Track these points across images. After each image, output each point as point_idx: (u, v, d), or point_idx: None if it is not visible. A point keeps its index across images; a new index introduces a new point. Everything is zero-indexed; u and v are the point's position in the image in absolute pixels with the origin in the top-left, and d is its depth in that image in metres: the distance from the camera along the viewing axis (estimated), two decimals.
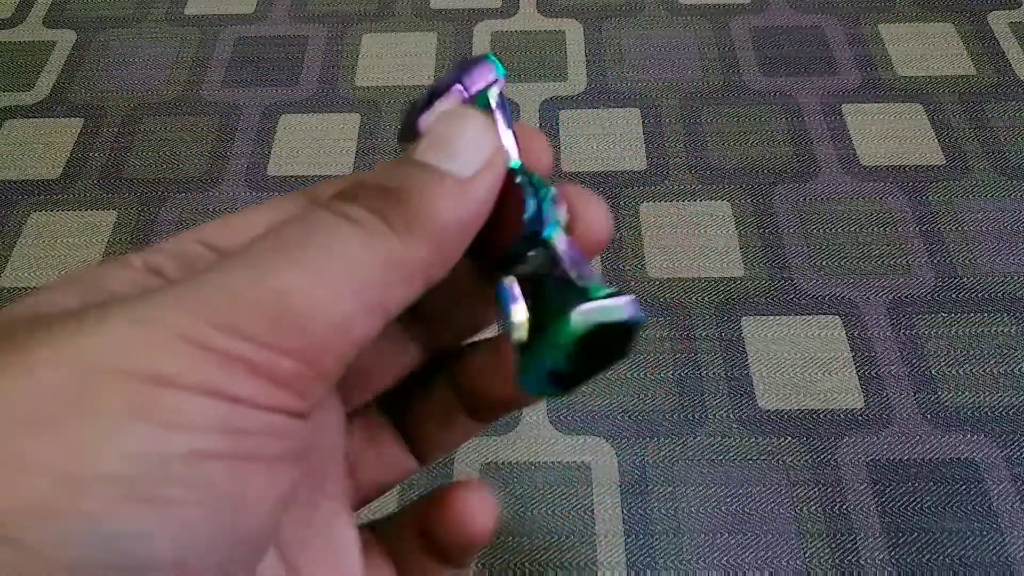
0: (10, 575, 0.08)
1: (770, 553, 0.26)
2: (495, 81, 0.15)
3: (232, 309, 0.10)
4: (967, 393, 0.30)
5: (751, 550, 0.26)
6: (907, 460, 0.28)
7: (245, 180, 0.37)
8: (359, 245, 0.11)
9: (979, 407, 0.29)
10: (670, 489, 0.28)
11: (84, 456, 0.09)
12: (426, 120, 0.14)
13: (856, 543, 0.27)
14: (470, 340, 0.16)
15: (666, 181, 0.36)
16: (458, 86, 0.14)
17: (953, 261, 0.33)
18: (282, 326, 0.10)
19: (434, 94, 0.14)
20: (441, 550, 0.15)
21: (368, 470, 0.16)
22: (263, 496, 0.10)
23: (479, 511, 0.14)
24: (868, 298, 0.32)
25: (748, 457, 0.28)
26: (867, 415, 0.29)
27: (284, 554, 0.14)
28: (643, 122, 0.39)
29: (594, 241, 0.14)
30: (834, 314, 0.32)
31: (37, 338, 0.10)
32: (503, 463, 0.29)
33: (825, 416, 0.29)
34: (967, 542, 0.26)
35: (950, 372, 0.30)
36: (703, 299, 0.32)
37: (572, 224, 0.14)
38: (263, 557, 0.11)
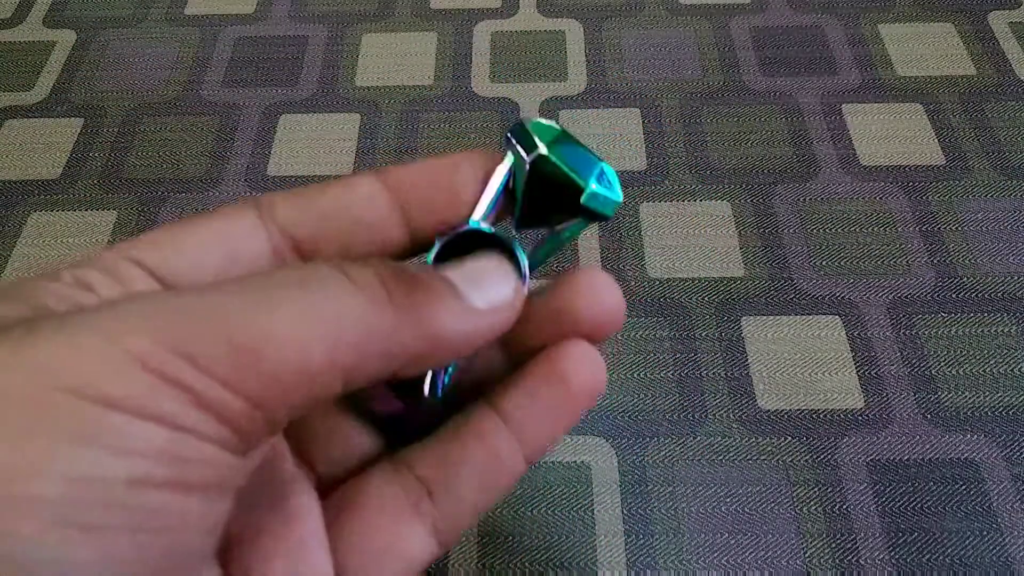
0: None
1: (770, 553, 0.26)
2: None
3: (195, 338, 0.10)
4: (967, 393, 0.30)
5: (751, 550, 0.26)
6: (907, 460, 0.28)
7: (245, 180, 0.37)
8: (352, 306, 0.11)
9: (979, 407, 0.29)
10: (670, 489, 0.28)
11: (23, 476, 0.08)
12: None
13: (856, 543, 0.27)
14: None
15: (666, 181, 0.36)
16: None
17: (953, 261, 0.33)
18: (243, 367, 0.10)
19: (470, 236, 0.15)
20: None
21: (327, 448, 0.15)
22: (197, 523, 0.10)
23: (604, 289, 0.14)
24: (868, 298, 0.32)
25: (748, 457, 0.28)
26: (867, 415, 0.29)
27: (238, 560, 0.13)
28: (643, 122, 0.39)
29: (609, 325, 0.14)
30: (834, 314, 0.32)
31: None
32: None
33: (825, 416, 0.29)
34: (967, 542, 0.26)
35: (950, 372, 0.30)
36: (703, 299, 0.32)
37: (583, 309, 0.14)
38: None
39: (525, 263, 0.15)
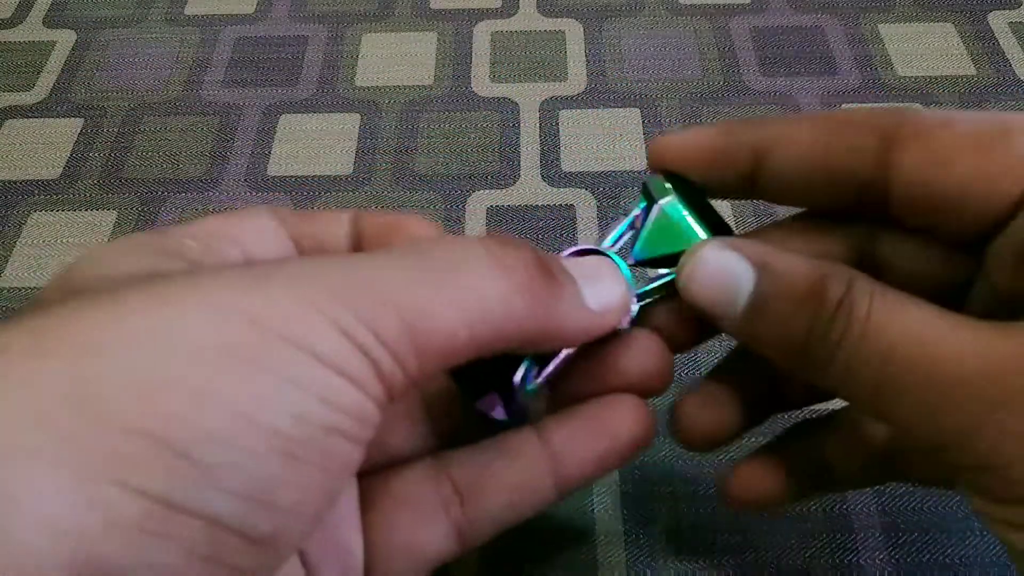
0: (186, 486, 0.09)
1: (770, 553, 0.26)
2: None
3: (375, 311, 0.11)
4: None
5: (751, 550, 0.26)
6: None
7: (245, 180, 0.37)
8: (498, 290, 0.12)
9: None
10: (670, 489, 0.28)
11: (259, 404, 0.10)
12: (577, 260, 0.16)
13: (856, 543, 0.27)
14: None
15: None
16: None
17: None
18: (406, 340, 0.11)
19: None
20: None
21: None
22: (350, 470, 0.12)
23: (429, 233, 0.16)
24: None
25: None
26: None
27: None
28: (643, 122, 0.39)
29: (656, 387, 0.17)
30: None
31: (219, 289, 0.11)
32: None
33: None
34: (967, 542, 0.26)
35: None
36: None
37: (634, 368, 0.17)
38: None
39: (631, 277, 0.16)
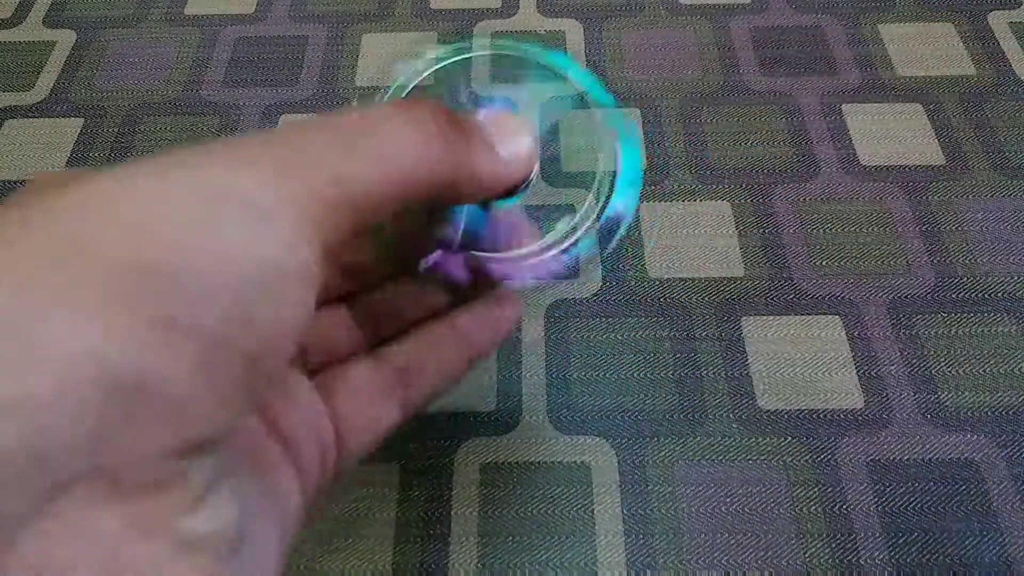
0: (185, 309, 0.11)
1: (770, 553, 0.26)
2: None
3: (320, 182, 0.13)
4: (967, 393, 0.30)
5: (751, 550, 0.26)
6: (907, 460, 0.28)
7: None
8: (413, 143, 0.14)
9: (979, 407, 0.29)
10: (670, 489, 0.28)
11: (227, 248, 0.11)
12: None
13: (856, 543, 0.27)
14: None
15: (666, 181, 0.36)
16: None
17: (953, 261, 0.33)
18: (341, 204, 0.13)
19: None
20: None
21: (316, 351, 0.19)
22: (306, 315, 0.13)
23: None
24: (868, 298, 0.32)
25: (748, 457, 0.28)
26: (867, 415, 0.29)
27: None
28: (643, 122, 0.39)
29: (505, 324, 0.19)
30: (834, 314, 0.32)
31: (181, 168, 0.12)
32: (503, 463, 0.29)
33: (825, 416, 0.29)
34: (967, 542, 0.26)
35: (950, 372, 0.30)
36: (703, 299, 0.32)
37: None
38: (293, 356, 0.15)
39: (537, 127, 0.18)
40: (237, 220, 0.12)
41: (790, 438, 0.29)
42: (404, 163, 0.14)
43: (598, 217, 0.20)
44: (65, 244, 0.11)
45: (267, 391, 0.13)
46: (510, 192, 0.17)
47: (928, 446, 0.29)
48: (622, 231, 0.19)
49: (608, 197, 0.20)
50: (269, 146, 0.13)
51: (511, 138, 0.16)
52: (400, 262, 0.20)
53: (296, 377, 0.18)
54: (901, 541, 0.27)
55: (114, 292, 0.10)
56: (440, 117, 0.15)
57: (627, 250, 0.34)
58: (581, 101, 0.20)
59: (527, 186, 0.18)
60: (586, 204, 0.20)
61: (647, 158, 0.37)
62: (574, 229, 0.20)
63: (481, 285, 0.20)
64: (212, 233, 0.11)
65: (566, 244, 0.20)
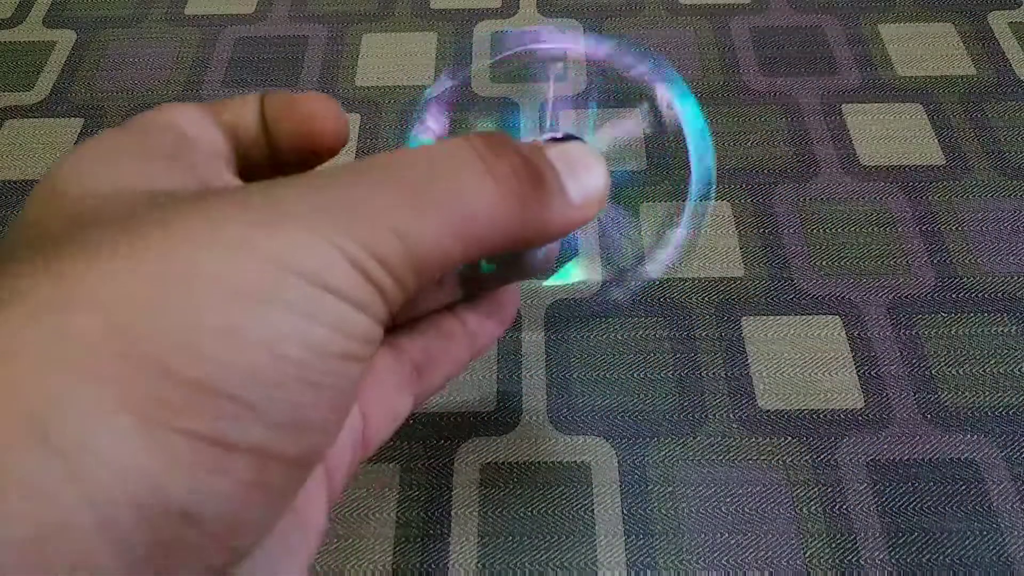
0: (231, 423, 0.10)
1: (770, 553, 0.26)
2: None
3: (381, 241, 0.12)
4: (967, 393, 0.30)
5: (751, 550, 0.26)
6: (907, 460, 0.28)
7: None
8: (489, 203, 0.13)
9: (979, 407, 0.29)
10: (670, 489, 0.28)
11: (282, 339, 0.11)
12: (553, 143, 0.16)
13: (856, 543, 0.27)
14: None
15: (666, 181, 0.36)
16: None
17: (953, 261, 0.33)
18: (407, 264, 0.12)
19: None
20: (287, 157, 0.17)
21: None
22: (359, 384, 0.13)
23: (325, 108, 0.16)
24: (868, 298, 0.32)
25: (748, 457, 0.28)
26: (867, 415, 0.29)
27: None
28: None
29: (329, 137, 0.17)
30: (834, 314, 0.32)
31: (233, 225, 0.11)
32: (503, 463, 0.29)
33: (825, 416, 0.29)
34: (967, 542, 0.26)
35: (950, 372, 0.30)
36: (703, 299, 0.32)
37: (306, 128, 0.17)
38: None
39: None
40: (292, 302, 0.11)
41: (790, 438, 0.29)
42: (477, 223, 0.13)
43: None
44: (103, 346, 0.10)
45: (304, 482, 0.12)
46: None
47: (928, 446, 0.29)
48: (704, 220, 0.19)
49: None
50: (323, 200, 0.12)
51: (583, 177, 0.15)
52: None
53: None
54: (901, 541, 0.27)
55: (160, 406, 0.10)
56: (521, 170, 0.14)
57: (627, 250, 0.34)
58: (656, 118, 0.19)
59: None
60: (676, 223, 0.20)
61: (648, 158, 0.37)
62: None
63: (496, 283, 0.20)
64: (266, 323, 0.11)
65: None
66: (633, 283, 0.20)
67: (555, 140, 0.16)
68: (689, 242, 0.18)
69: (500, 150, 0.14)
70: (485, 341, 0.20)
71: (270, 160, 0.17)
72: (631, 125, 0.19)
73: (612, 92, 0.19)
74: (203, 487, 0.10)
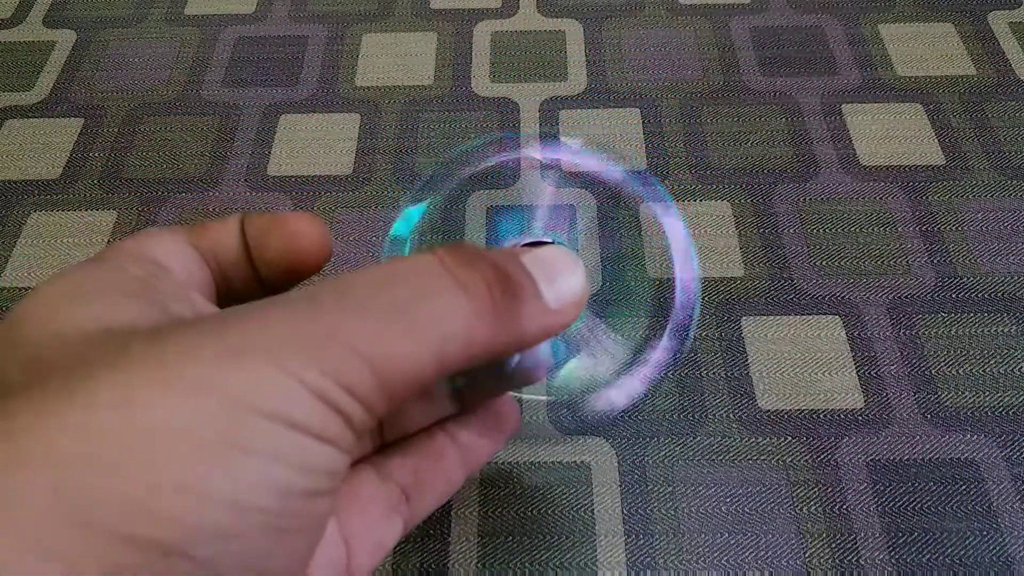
0: (161, 573, 0.09)
1: (770, 553, 0.26)
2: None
3: (348, 364, 0.11)
4: (967, 393, 0.30)
5: (751, 550, 0.26)
6: (907, 460, 0.28)
7: (245, 180, 0.37)
8: (462, 318, 0.12)
9: (979, 407, 0.29)
10: (670, 489, 0.28)
11: (248, 490, 0.10)
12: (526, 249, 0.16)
13: (856, 543, 0.27)
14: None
15: (666, 181, 0.36)
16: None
17: (953, 261, 0.33)
18: (378, 390, 0.12)
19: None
20: (269, 272, 0.16)
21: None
22: (328, 518, 0.12)
23: (310, 227, 0.16)
24: (868, 298, 0.32)
25: (748, 457, 0.28)
26: (867, 415, 0.29)
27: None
28: (643, 122, 0.39)
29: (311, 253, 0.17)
30: (834, 314, 0.32)
31: (191, 364, 0.10)
32: (503, 463, 0.29)
33: (825, 416, 0.29)
34: (967, 542, 0.26)
35: (950, 372, 0.30)
36: (703, 299, 0.32)
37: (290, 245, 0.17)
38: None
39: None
40: (256, 447, 0.10)
41: (790, 438, 0.29)
42: (448, 342, 0.12)
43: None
44: (51, 511, 0.09)
45: None
46: None
47: (928, 446, 0.29)
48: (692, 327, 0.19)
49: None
50: (287, 330, 0.11)
51: (561, 281, 0.14)
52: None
53: None
54: (901, 541, 0.27)
55: (116, 570, 0.09)
56: (494, 283, 0.13)
57: (626, 250, 0.34)
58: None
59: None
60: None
61: (647, 158, 0.37)
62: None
63: (486, 394, 0.19)
64: (229, 475, 0.10)
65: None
66: (615, 398, 0.20)
67: (532, 244, 0.16)
68: (668, 362, 0.18)
69: (470, 260, 0.13)
70: (481, 457, 0.19)
71: (253, 281, 0.16)
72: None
73: (601, 204, 0.19)
74: None
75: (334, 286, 0.12)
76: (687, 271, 0.19)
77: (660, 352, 0.19)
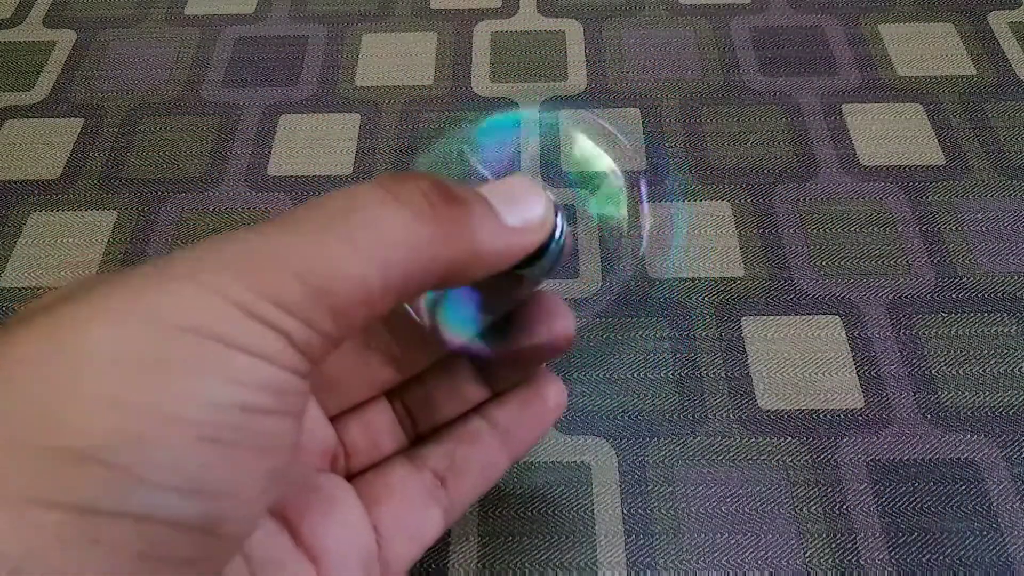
0: (104, 490, 0.10)
1: (770, 553, 0.26)
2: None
3: (278, 284, 0.11)
4: (967, 393, 0.30)
5: (751, 550, 0.26)
6: (907, 460, 0.28)
7: (245, 180, 0.37)
8: (399, 224, 0.12)
9: (979, 407, 0.29)
10: (670, 489, 0.28)
11: (172, 400, 0.10)
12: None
13: (856, 543, 0.27)
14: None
15: (666, 181, 0.36)
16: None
17: (953, 261, 0.33)
18: (317, 306, 0.11)
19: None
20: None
21: (361, 453, 0.18)
22: (286, 444, 0.12)
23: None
24: (868, 298, 0.32)
25: (748, 457, 0.28)
26: (867, 415, 0.29)
27: (287, 519, 0.15)
28: (643, 122, 0.39)
29: (559, 346, 0.17)
30: (834, 314, 0.32)
31: (118, 294, 0.11)
32: None
33: (825, 416, 0.29)
34: (967, 542, 0.26)
35: (950, 372, 0.30)
36: (703, 299, 0.32)
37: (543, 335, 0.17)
38: (279, 495, 0.14)
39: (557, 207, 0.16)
40: (181, 360, 0.10)
41: (790, 438, 0.29)
42: (389, 248, 0.12)
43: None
44: None
45: (228, 555, 0.12)
46: (533, 260, 0.15)
47: (928, 446, 0.29)
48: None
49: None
50: (218, 256, 0.11)
51: (520, 203, 0.14)
52: (437, 344, 0.18)
53: (337, 483, 0.16)
54: (901, 541, 0.27)
55: (26, 480, 0.09)
56: (431, 191, 0.13)
57: (626, 250, 0.34)
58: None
59: (558, 256, 0.16)
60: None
61: (647, 158, 0.37)
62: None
63: (516, 365, 0.18)
64: (152, 385, 0.10)
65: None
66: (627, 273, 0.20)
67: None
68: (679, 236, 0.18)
69: (407, 178, 0.13)
70: (526, 438, 0.18)
71: None
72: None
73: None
74: (72, 562, 0.09)
75: (279, 217, 0.12)
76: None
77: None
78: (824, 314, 0.32)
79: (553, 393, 0.18)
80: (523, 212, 0.14)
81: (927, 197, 0.35)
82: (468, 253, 0.13)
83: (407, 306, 0.17)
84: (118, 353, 0.10)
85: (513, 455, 0.18)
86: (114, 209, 0.36)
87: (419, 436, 0.18)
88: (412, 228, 0.12)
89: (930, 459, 0.28)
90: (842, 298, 0.32)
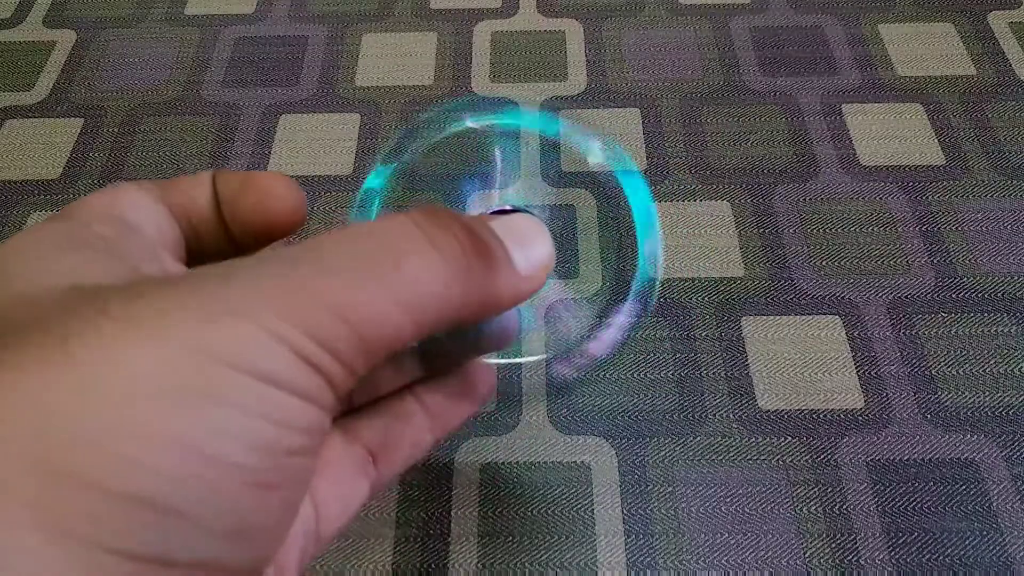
0: (158, 535, 0.09)
1: (770, 553, 0.26)
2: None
3: (321, 322, 0.11)
4: (967, 393, 0.30)
5: (751, 550, 0.26)
6: (907, 460, 0.28)
7: None
8: (437, 277, 0.13)
9: (979, 407, 0.29)
10: (670, 489, 0.28)
11: (224, 441, 0.10)
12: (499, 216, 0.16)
13: (856, 543, 0.27)
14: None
15: (666, 181, 0.36)
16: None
17: (953, 261, 0.33)
18: (354, 345, 0.12)
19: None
20: (241, 233, 0.16)
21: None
22: (311, 477, 0.12)
23: (284, 188, 0.16)
24: (868, 298, 0.32)
25: (748, 457, 0.28)
26: (867, 415, 0.29)
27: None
28: (643, 122, 0.39)
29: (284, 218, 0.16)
30: (834, 314, 0.32)
31: (149, 318, 0.10)
32: (503, 463, 0.29)
33: (825, 416, 0.29)
34: (967, 542, 0.26)
35: (950, 372, 0.30)
36: (703, 299, 0.32)
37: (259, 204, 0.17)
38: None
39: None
40: (233, 399, 0.10)
41: (790, 438, 0.29)
42: (425, 297, 0.12)
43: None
44: (22, 459, 0.09)
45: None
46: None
47: (928, 446, 0.29)
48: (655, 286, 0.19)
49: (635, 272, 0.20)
50: (262, 287, 0.11)
51: (529, 247, 0.15)
52: None
53: None
54: (901, 541, 0.27)
55: (80, 521, 0.09)
56: (467, 245, 0.13)
57: (626, 250, 0.34)
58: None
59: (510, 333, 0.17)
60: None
61: (647, 158, 0.37)
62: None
63: (455, 358, 0.19)
64: (204, 424, 0.10)
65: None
66: (579, 361, 0.20)
67: (501, 213, 0.16)
68: (632, 326, 0.18)
69: (443, 223, 0.13)
70: (452, 422, 0.19)
71: (224, 240, 0.16)
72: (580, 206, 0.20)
73: (561, 172, 0.19)
74: None
75: (311, 246, 0.12)
76: (651, 239, 0.20)
77: (623, 315, 0.19)
78: (824, 314, 0.32)
79: (485, 384, 0.19)
80: (531, 256, 0.15)
81: (927, 197, 0.35)
82: (490, 305, 0.14)
83: None
84: (167, 386, 0.10)
85: (438, 436, 0.19)
86: None
87: (349, 408, 0.19)
88: (447, 281, 0.13)
89: (930, 459, 0.28)
90: (842, 298, 0.32)
